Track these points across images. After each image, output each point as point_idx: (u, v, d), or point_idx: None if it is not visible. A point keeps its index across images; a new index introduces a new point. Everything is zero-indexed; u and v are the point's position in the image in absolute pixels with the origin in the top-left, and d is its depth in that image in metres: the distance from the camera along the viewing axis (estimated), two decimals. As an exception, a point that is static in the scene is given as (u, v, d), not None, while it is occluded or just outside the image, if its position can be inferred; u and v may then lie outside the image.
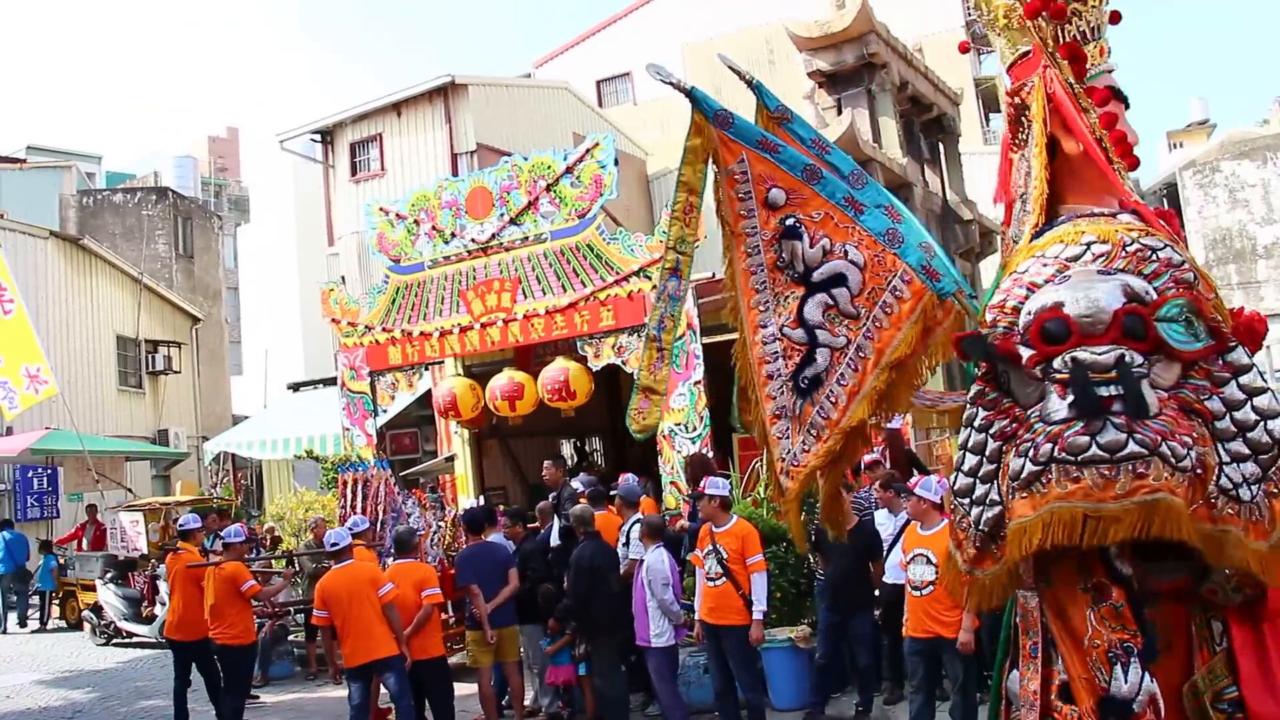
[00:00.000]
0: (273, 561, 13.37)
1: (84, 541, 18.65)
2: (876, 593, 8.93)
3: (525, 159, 12.56)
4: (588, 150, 12.08)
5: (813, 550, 9.13)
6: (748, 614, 8.00)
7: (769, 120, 4.37)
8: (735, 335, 13.23)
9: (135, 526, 17.29)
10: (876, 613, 8.92)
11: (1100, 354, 3.04)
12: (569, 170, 12.10)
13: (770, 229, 4.25)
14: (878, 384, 4.06)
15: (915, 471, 10.45)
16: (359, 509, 12.11)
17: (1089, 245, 3.31)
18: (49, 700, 12.27)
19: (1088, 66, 3.87)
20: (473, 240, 12.64)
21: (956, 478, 3.41)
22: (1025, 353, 3.18)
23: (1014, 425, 3.20)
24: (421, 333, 13.01)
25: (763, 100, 4.39)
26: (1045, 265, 3.35)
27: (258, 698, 11.16)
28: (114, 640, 15.92)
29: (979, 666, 7.99)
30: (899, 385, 4.08)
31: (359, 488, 12.35)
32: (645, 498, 10.42)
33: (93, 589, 16.30)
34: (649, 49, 33.94)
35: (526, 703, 9.68)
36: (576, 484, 11.35)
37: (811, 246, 4.14)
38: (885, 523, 9.15)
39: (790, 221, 4.17)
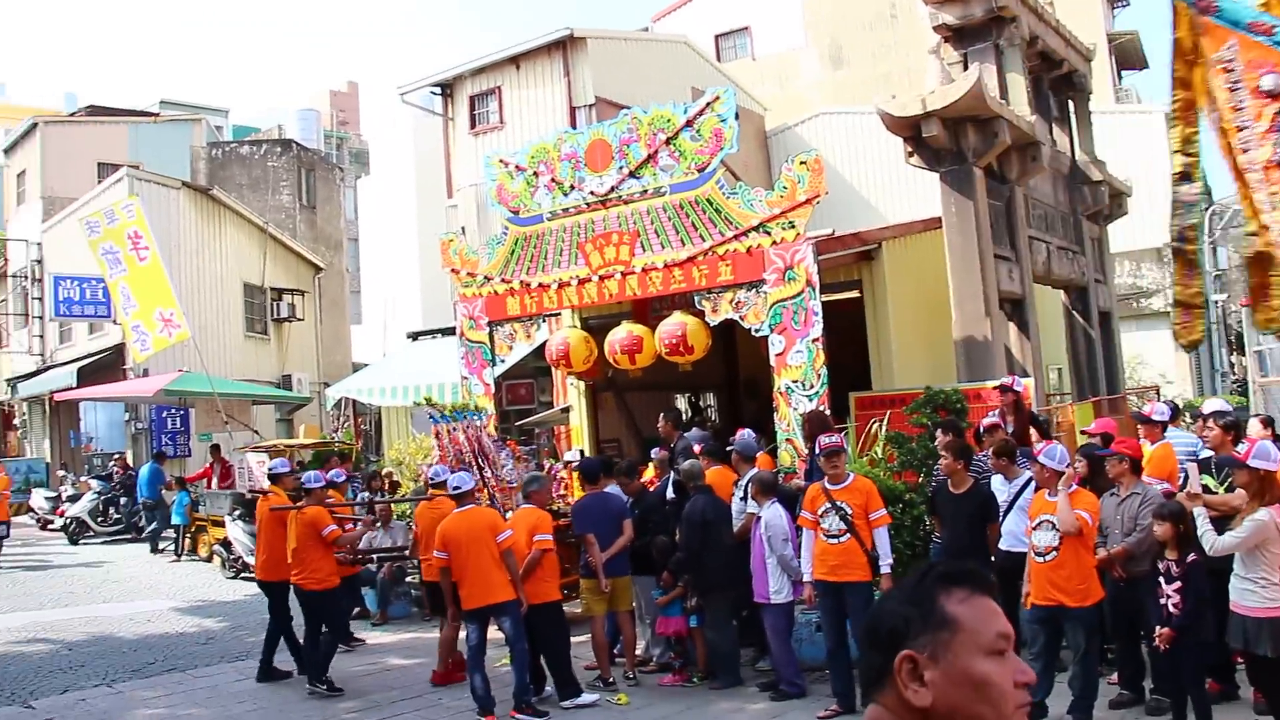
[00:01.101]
0: (390, 505, 13.61)
1: (212, 480, 19.35)
2: (991, 558, 8.80)
3: (645, 112, 12.49)
4: (708, 103, 11.97)
5: (929, 512, 9.04)
6: (870, 570, 7.98)
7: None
8: (853, 294, 12.98)
9: (261, 467, 17.88)
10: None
11: None
12: (689, 124, 12.02)
13: (1267, 120, 3.89)
14: None
15: (1038, 435, 10.25)
16: (465, 459, 12.26)
17: None
18: (184, 627, 12.83)
19: None
20: (591, 193, 12.66)
21: None
22: None
23: None
24: (540, 284, 13.12)
25: None
26: None
27: (352, 645, 11.32)
28: (241, 574, 16.55)
29: (1102, 639, 7.87)
30: None
31: (455, 437, 12.35)
32: (762, 454, 10.42)
33: (222, 525, 16.93)
34: (767, 4, 33.54)
35: (638, 652, 9.80)
36: (691, 438, 11.38)
37: None
38: (1000, 489, 8.98)
39: None
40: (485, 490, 12.00)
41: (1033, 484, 8.53)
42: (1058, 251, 15.58)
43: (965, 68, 13.58)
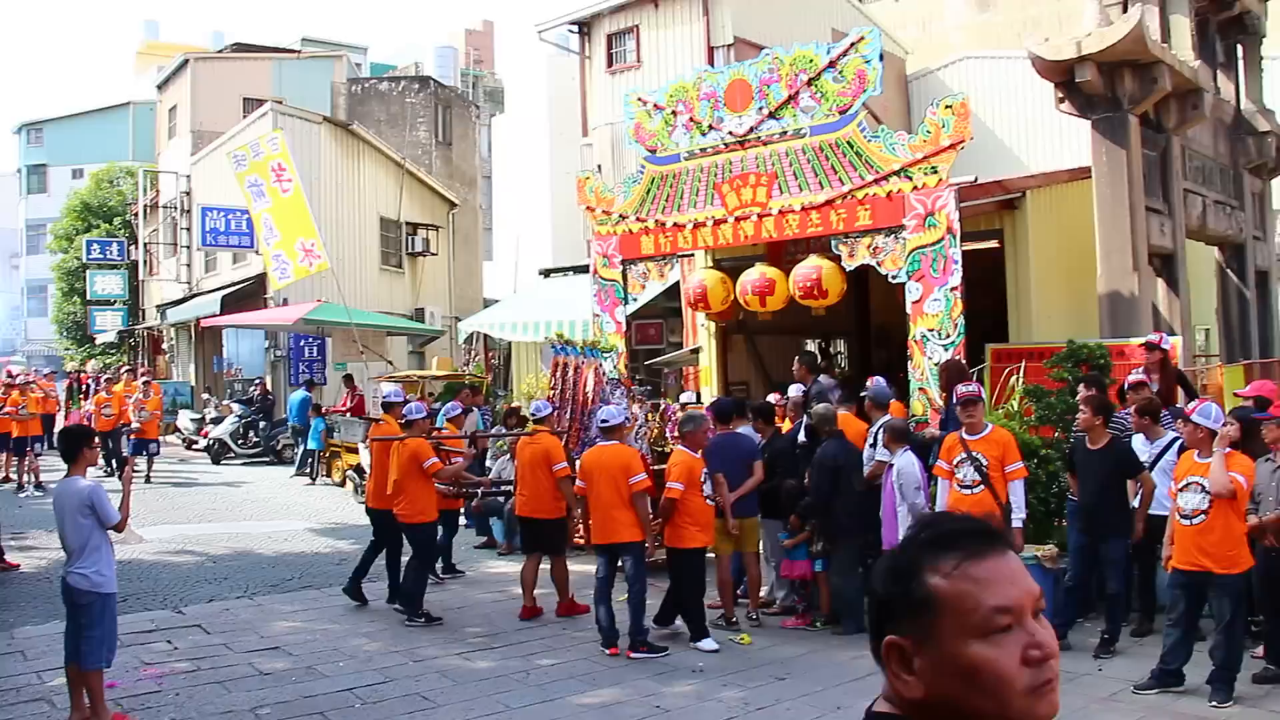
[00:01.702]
0: (500, 439, 13.67)
1: (347, 405, 19.91)
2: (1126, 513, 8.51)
3: (786, 52, 12.26)
4: (852, 44, 11.70)
5: (1067, 468, 8.80)
6: (1002, 524, 7.82)
7: None
8: (992, 244, 12.77)
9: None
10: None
11: None
12: (831, 64, 11.77)
13: None
14: None
15: (1184, 395, 9.88)
16: (566, 394, 12.26)
17: None
18: (318, 547, 13.28)
19: None
20: (730, 133, 12.53)
21: None
22: None
23: None
24: (674, 224, 13.08)
25: None
26: None
27: (442, 579, 11.36)
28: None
29: (1248, 608, 7.57)
30: None
31: (568, 372, 12.38)
32: (894, 402, 10.27)
33: (355, 451, 17.43)
34: (915, -58, 32.47)
35: (762, 593, 9.80)
36: (824, 382, 11.27)
37: None
38: (1141, 449, 8.69)
39: None
40: (575, 428, 12.08)
41: (1176, 445, 8.26)
42: (1214, 206, 14.92)
43: (1124, 9, 13.00)
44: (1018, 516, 7.88)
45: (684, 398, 13.63)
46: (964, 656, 1.52)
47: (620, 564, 8.73)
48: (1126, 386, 9.61)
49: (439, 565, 11.44)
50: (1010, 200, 12.89)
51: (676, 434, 10.35)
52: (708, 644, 8.61)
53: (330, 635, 9.30)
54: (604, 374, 12.34)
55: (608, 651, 8.59)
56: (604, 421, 8.99)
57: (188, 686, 7.84)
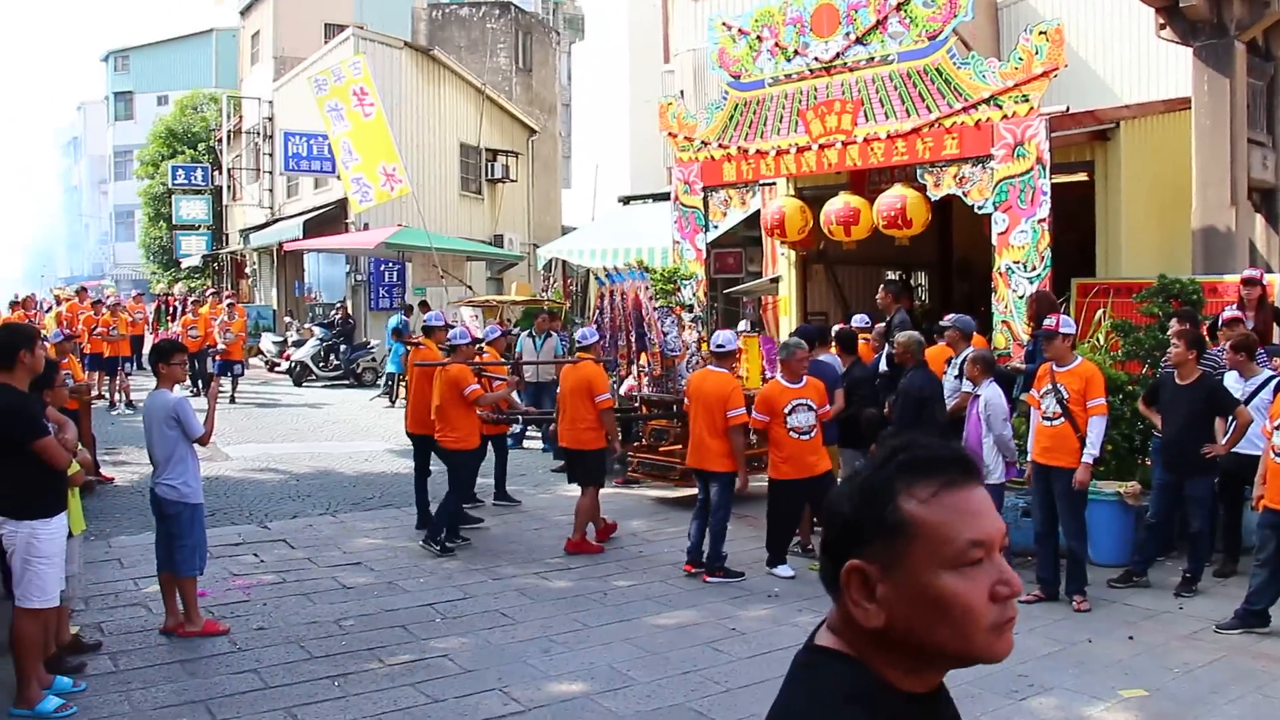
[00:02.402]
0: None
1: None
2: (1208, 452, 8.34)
3: (875, -25, 11.99)
4: (944, -33, 11.39)
5: (1147, 402, 8.62)
6: (1079, 457, 7.73)
7: None
8: (1081, 177, 12.39)
9: (474, 320, 18.53)
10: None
11: None
12: (921, -12, 11.48)
13: None
14: None
15: (1280, 332, 9.63)
16: (616, 321, 12.17)
17: None
18: (397, 467, 13.54)
19: None
20: (816, 59, 12.30)
21: None
22: None
23: None
24: (757, 151, 12.94)
25: None
26: None
27: (477, 503, 11.10)
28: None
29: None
30: None
31: (615, 299, 12.22)
32: (977, 334, 10.15)
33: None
34: None
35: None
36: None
37: None
38: (1234, 387, 8.48)
39: None
40: (626, 356, 11.99)
41: (1272, 384, 8.06)
42: (1319, 139, 14.37)
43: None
44: (1089, 452, 7.75)
45: (741, 327, 13.32)
46: (934, 587, 1.45)
47: (710, 490, 8.81)
48: (1220, 322, 9.37)
49: (492, 494, 11.56)
50: (1103, 131, 12.52)
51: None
52: (783, 570, 8.67)
53: (410, 553, 9.52)
54: (652, 295, 12.06)
55: (684, 568, 8.77)
56: (719, 346, 8.97)
57: (274, 597, 8.09)
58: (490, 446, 11.28)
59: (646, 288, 12.04)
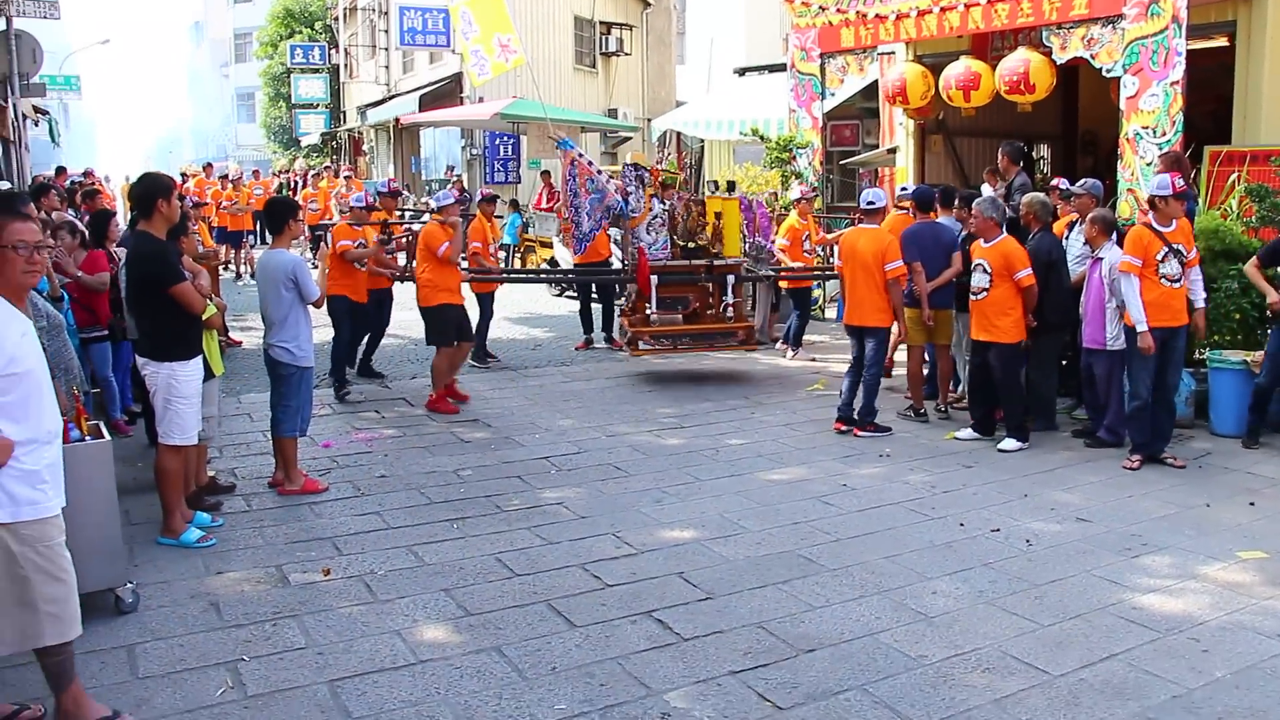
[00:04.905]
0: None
1: (542, 202, 20.30)
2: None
3: None
4: None
5: (1267, 262, 8.35)
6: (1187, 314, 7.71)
7: None
8: (1222, 43, 11.75)
9: (586, 192, 18.55)
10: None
11: None
12: None
13: None
14: None
15: None
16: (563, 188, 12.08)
17: None
18: (514, 334, 13.93)
19: None
20: (940, -84, 11.89)
21: None
22: None
23: None
24: (877, 15, 12.62)
25: None
26: None
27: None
28: (565, 293, 17.53)
29: None
30: None
31: (570, 167, 11.64)
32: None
33: (549, 245, 17.84)
34: None
35: (953, 390, 9.76)
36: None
37: None
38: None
39: None
40: (562, 218, 11.66)
41: None
42: None
43: None
44: (1201, 297, 7.78)
45: (797, 190, 12.74)
46: None
47: (865, 344, 8.94)
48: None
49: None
50: (1248, -13, 11.87)
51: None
52: (1012, 444, 8.32)
53: (526, 412, 9.80)
54: (587, 163, 11.43)
55: (834, 426, 8.93)
56: (869, 204, 8.96)
57: (395, 449, 8.44)
58: (477, 304, 11.86)
59: (575, 156, 11.52)
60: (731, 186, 13.47)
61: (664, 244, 11.05)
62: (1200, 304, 7.92)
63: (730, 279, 10.92)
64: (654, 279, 10.76)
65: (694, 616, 5.13)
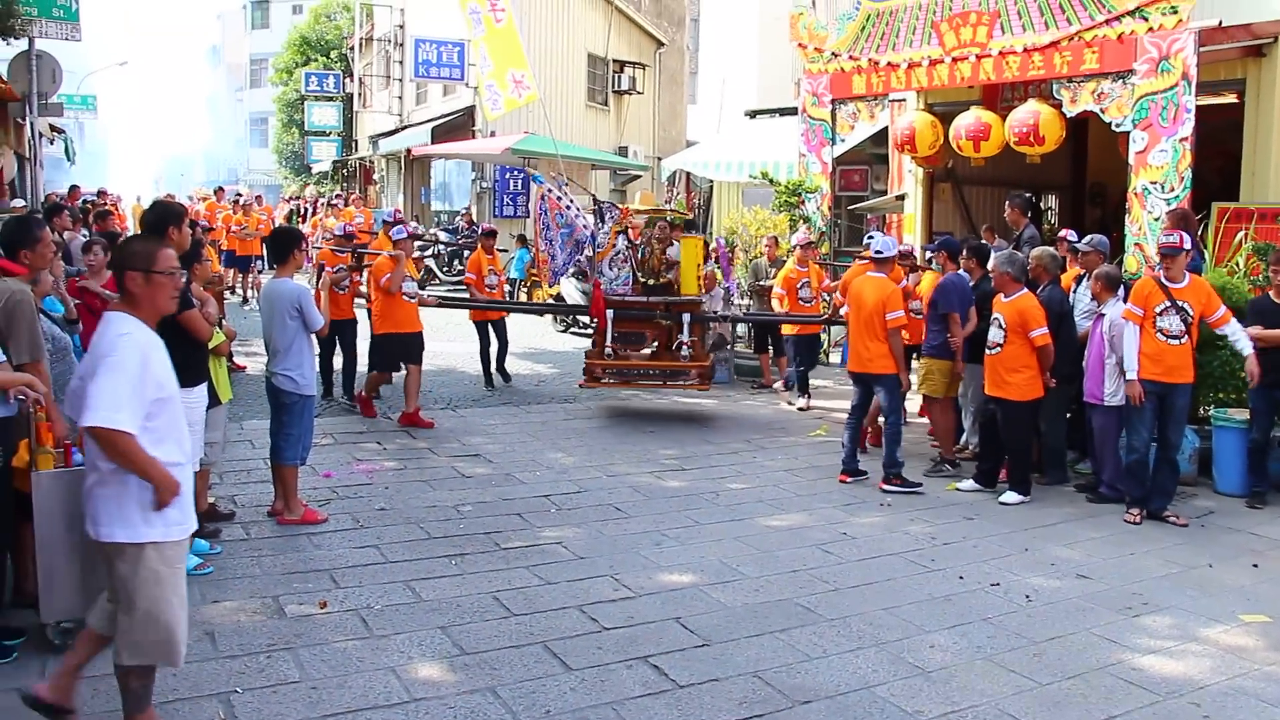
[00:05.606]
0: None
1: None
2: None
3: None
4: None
5: (1249, 319, 8.35)
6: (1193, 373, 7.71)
7: None
8: (1232, 100, 11.80)
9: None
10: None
11: None
12: (1069, -106, 11.04)
13: None
14: None
15: None
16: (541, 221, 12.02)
17: None
18: (517, 369, 13.89)
19: None
20: (953, -32, 11.99)
21: None
22: None
23: None
24: (889, 63, 12.70)
25: None
26: None
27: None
28: (570, 329, 17.55)
29: None
30: None
31: (542, 203, 11.82)
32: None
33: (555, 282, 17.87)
34: None
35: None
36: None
37: None
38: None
39: None
40: (537, 252, 12.05)
41: None
42: None
43: None
44: (1246, 348, 7.77)
45: (796, 237, 12.73)
46: None
47: (876, 394, 8.95)
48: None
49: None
50: (1257, 47, 11.95)
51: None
52: (1014, 497, 8.32)
53: (528, 448, 9.79)
54: (555, 196, 11.58)
55: (839, 478, 8.86)
56: (878, 252, 8.91)
57: (396, 482, 8.43)
58: (490, 330, 12.75)
59: (545, 190, 11.69)
60: (691, 225, 13.50)
61: (625, 279, 11.16)
62: (1247, 352, 7.83)
63: (686, 317, 10.94)
64: (610, 313, 10.87)
65: (690, 663, 5.11)
